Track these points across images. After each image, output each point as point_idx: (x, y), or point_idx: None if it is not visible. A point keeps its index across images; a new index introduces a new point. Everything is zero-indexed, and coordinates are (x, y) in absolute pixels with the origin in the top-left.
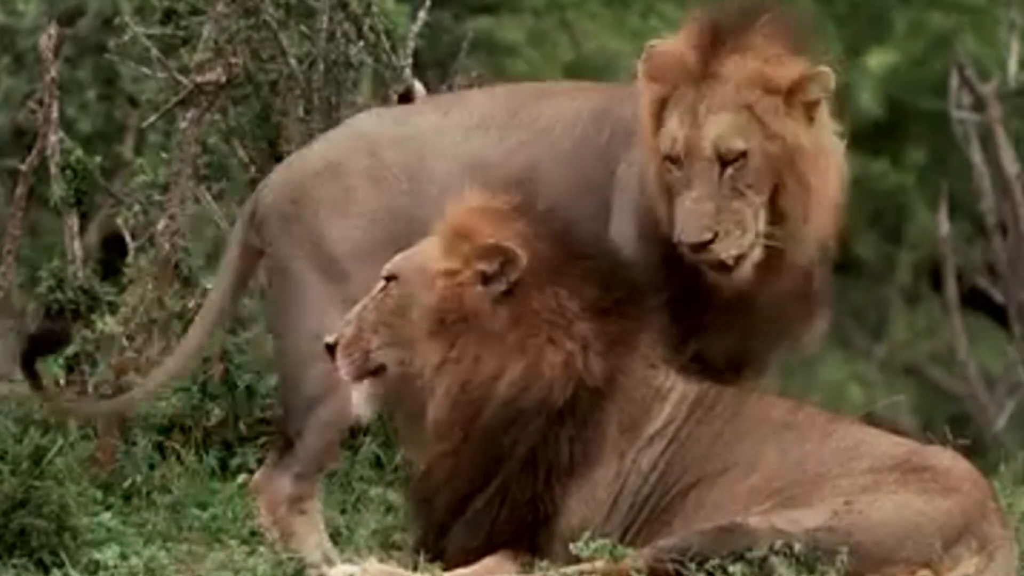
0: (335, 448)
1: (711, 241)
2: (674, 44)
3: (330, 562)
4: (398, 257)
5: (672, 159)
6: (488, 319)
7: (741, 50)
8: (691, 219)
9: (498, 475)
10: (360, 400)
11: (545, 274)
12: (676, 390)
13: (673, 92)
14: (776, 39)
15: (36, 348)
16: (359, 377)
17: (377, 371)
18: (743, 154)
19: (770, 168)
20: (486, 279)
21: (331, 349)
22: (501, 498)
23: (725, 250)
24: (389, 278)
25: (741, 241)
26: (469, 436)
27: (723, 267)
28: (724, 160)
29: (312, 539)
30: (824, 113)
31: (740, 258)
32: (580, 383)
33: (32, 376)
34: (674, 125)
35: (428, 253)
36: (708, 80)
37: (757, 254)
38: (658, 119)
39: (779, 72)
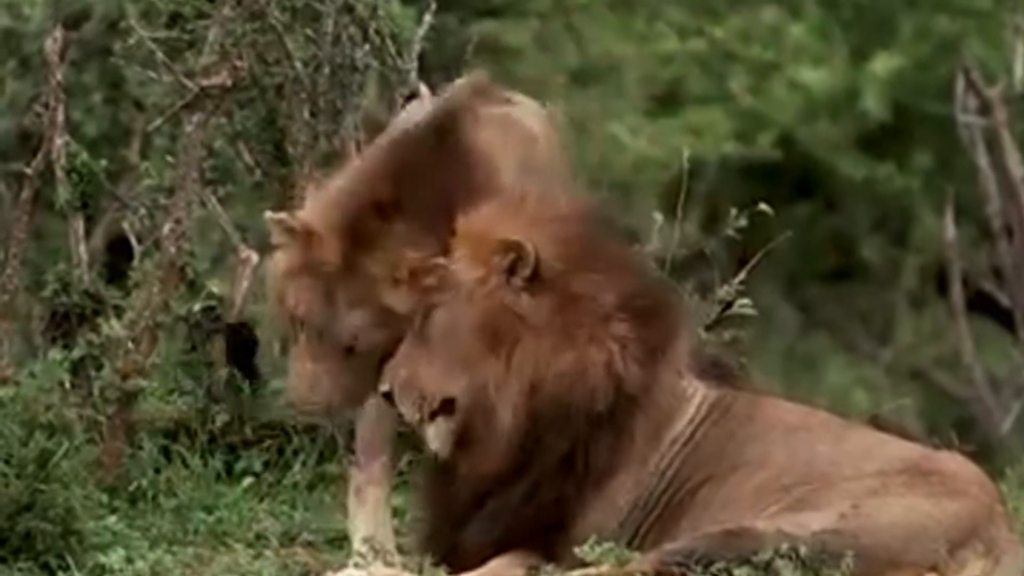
0: (389, 437)
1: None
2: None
3: (369, 557)
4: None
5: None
6: (534, 314)
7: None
8: (302, 387)
9: (529, 473)
10: (435, 438)
11: (577, 258)
12: (697, 394)
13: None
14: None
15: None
16: (428, 417)
17: (445, 405)
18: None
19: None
20: (511, 274)
21: (388, 397)
22: (528, 497)
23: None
24: (426, 307)
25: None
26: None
27: None
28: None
29: (361, 528)
30: None
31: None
32: (619, 389)
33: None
34: (312, 294)
35: (457, 268)
36: (352, 272)
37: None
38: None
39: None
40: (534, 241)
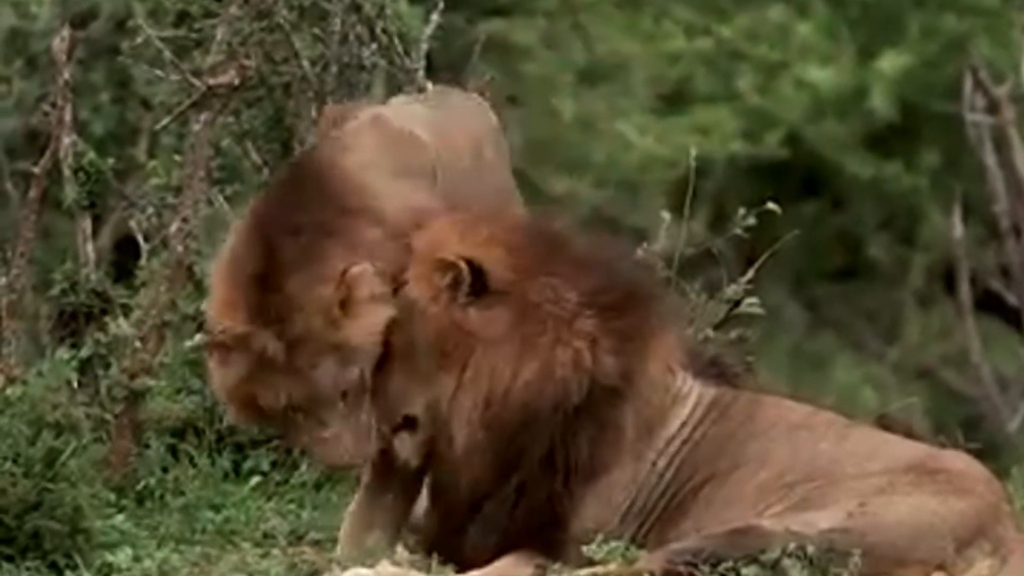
0: None
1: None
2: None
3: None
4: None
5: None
6: (487, 328)
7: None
8: (337, 451)
9: (515, 475)
10: (402, 451)
11: (532, 264)
12: (693, 393)
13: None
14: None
15: None
16: (391, 433)
17: (407, 422)
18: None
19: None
20: (455, 290)
21: None
22: (518, 498)
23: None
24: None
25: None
26: (492, 438)
27: None
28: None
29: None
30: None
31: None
32: (595, 382)
33: None
34: (278, 382)
35: (408, 291)
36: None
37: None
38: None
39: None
40: (484, 256)
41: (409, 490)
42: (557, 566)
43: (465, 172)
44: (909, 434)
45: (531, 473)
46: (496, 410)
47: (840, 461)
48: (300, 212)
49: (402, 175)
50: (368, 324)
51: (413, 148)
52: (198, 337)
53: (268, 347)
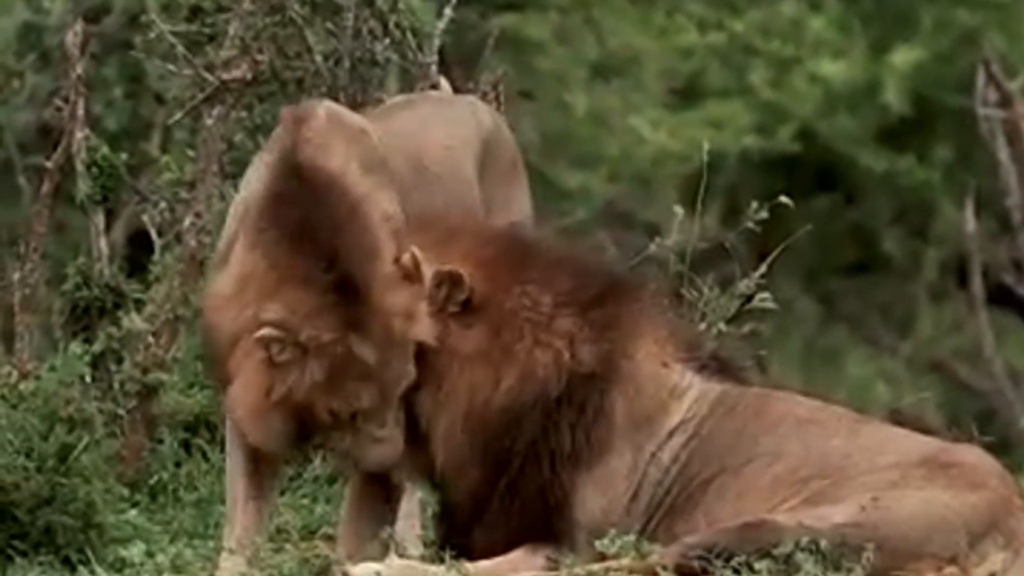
0: None
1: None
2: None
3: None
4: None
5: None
6: (464, 343)
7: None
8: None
9: (504, 476)
10: (400, 475)
11: (505, 275)
12: (694, 388)
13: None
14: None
15: None
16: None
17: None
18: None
19: None
20: (438, 310)
21: None
22: (511, 494)
23: None
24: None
25: None
26: (477, 447)
27: None
28: None
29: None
30: None
31: None
32: (573, 373)
33: None
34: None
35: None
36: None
37: None
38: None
39: None
40: (463, 271)
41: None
42: (569, 559)
43: (404, 184)
44: (922, 428)
45: (519, 468)
46: (477, 421)
47: (852, 456)
48: (325, 216)
49: (366, 171)
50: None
51: (366, 143)
52: (265, 331)
53: (363, 352)
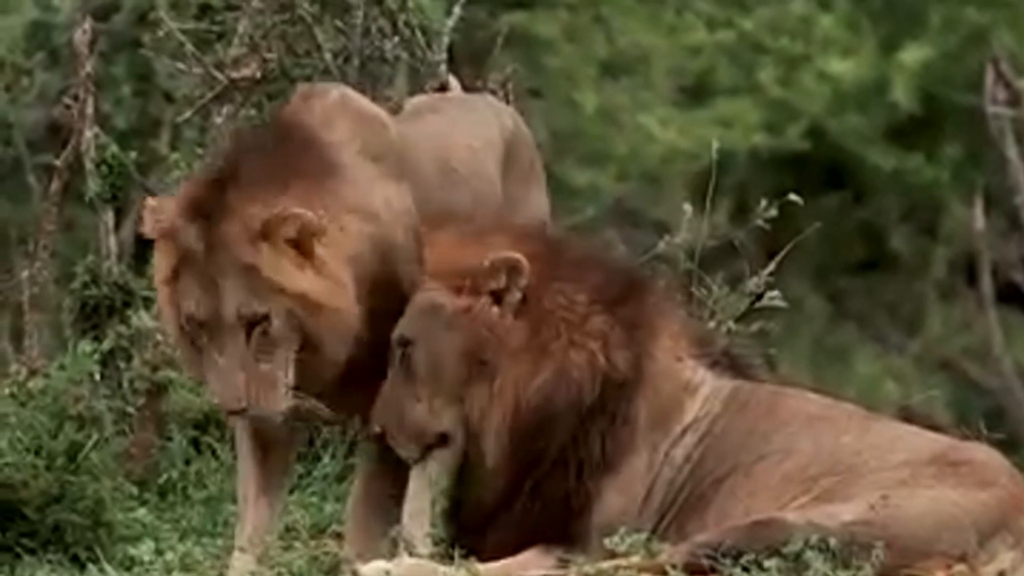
0: None
1: (245, 409)
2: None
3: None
4: (402, 322)
5: (197, 322)
6: (513, 337)
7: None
8: (225, 389)
9: (528, 479)
10: (436, 474)
11: (545, 272)
12: (706, 384)
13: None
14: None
15: None
16: (424, 454)
17: (440, 439)
18: (265, 316)
19: (291, 323)
20: (498, 298)
21: (381, 438)
22: (534, 496)
23: (262, 412)
24: (404, 343)
25: (275, 400)
26: (514, 445)
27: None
28: (250, 324)
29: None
30: (322, 244)
31: (282, 414)
32: (607, 379)
33: None
34: (194, 288)
35: (432, 302)
36: (211, 246)
37: (292, 404)
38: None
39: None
40: None
41: (405, 476)
42: (581, 559)
43: (431, 183)
44: (931, 427)
45: (546, 472)
46: (515, 419)
47: (862, 454)
48: (280, 153)
49: (369, 156)
50: (287, 270)
51: (378, 129)
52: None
53: (191, 244)
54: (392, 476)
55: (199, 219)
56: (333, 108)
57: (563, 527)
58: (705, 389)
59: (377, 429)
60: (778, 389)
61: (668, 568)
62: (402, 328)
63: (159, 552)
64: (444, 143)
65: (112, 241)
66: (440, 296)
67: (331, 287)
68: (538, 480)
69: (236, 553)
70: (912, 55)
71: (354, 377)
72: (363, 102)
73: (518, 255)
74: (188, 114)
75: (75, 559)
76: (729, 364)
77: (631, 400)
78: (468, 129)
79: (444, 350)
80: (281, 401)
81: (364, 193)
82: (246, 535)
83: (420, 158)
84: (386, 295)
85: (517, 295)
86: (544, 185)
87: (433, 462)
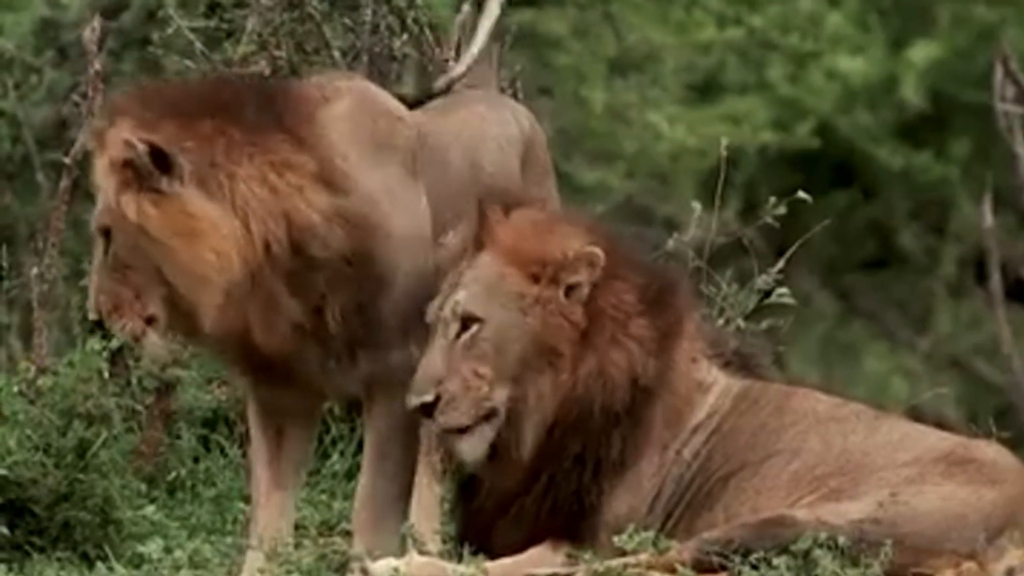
0: None
1: (99, 321)
2: None
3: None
4: (466, 296)
5: None
6: (580, 330)
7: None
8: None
9: (545, 473)
10: (471, 447)
11: (605, 269)
12: (718, 383)
13: None
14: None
15: None
16: (472, 426)
17: (488, 416)
18: (106, 230)
19: (128, 244)
20: (571, 290)
21: (430, 407)
22: (547, 492)
23: (114, 328)
24: (470, 319)
25: (119, 319)
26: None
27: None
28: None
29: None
30: (186, 182)
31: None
32: (636, 384)
33: None
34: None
35: (507, 286)
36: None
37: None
38: None
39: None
40: None
41: (412, 465)
42: (588, 555)
43: (462, 179)
44: (940, 424)
45: (564, 468)
46: (562, 410)
47: (871, 453)
48: (248, 103)
49: (373, 145)
50: (118, 193)
51: (390, 123)
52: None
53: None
54: (400, 472)
55: (102, 126)
56: (341, 91)
57: (573, 524)
58: (717, 388)
59: (428, 398)
60: (788, 389)
61: (676, 565)
62: (468, 304)
63: (168, 550)
64: (474, 141)
65: None
66: (518, 282)
67: (168, 221)
68: (553, 474)
69: (250, 553)
70: (921, 53)
71: (322, 342)
72: (379, 94)
73: (597, 250)
74: None
75: (84, 556)
76: (740, 364)
77: (652, 405)
78: (496, 127)
79: (516, 335)
80: (125, 321)
81: (332, 168)
82: (258, 533)
83: (448, 154)
84: (355, 271)
85: (586, 290)
86: (555, 187)
87: (470, 439)
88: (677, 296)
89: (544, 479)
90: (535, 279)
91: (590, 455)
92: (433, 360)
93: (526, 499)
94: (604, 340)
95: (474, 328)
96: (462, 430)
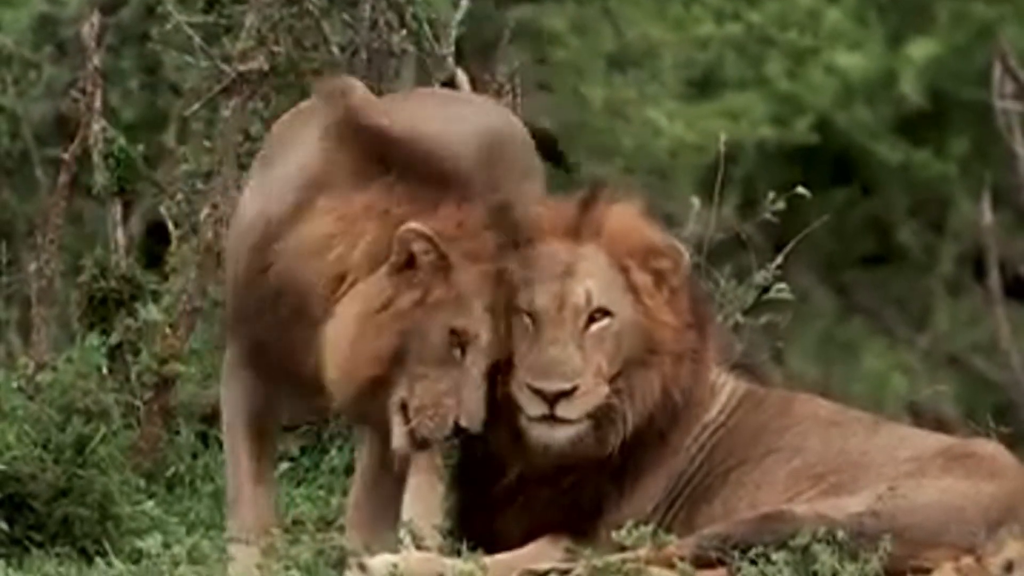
0: None
1: None
2: None
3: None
4: (598, 289)
5: None
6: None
7: None
8: None
9: (571, 474)
10: (568, 439)
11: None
12: (728, 386)
13: None
14: None
15: None
16: (578, 420)
17: (598, 412)
18: None
19: None
20: (673, 293)
21: (557, 397)
22: (563, 494)
23: None
24: (601, 312)
25: None
26: None
27: None
28: None
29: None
30: None
31: None
32: (675, 402)
33: None
34: None
35: (629, 280)
36: None
37: None
38: None
39: None
40: None
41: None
42: (588, 551)
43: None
44: (939, 422)
45: (587, 473)
46: (645, 416)
47: (870, 452)
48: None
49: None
50: None
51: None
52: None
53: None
54: (396, 468)
55: None
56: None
57: (575, 520)
58: (726, 390)
59: (568, 386)
60: (791, 394)
61: (675, 560)
62: (601, 298)
63: (167, 545)
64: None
65: (120, 234)
66: (635, 276)
67: None
68: (578, 479)
69: (234, 546)
70: (920, 49)
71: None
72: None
73: (682, 248)
74: (196, 107)
75: (83, 552)
76: (745, 369)
77: (678, 421)
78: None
79: (634, 331)
80: None
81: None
82: (246, 526)
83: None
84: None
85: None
86: (540, 182)
87: (568, 432)
88: (705, 306)
89: (573, 476)
90: (654, 274)
91: (616, 461)
92: (568, 350)
93: (543, 491)
94: (670, 351)
95: (604, 322)
96: (568, 421)
